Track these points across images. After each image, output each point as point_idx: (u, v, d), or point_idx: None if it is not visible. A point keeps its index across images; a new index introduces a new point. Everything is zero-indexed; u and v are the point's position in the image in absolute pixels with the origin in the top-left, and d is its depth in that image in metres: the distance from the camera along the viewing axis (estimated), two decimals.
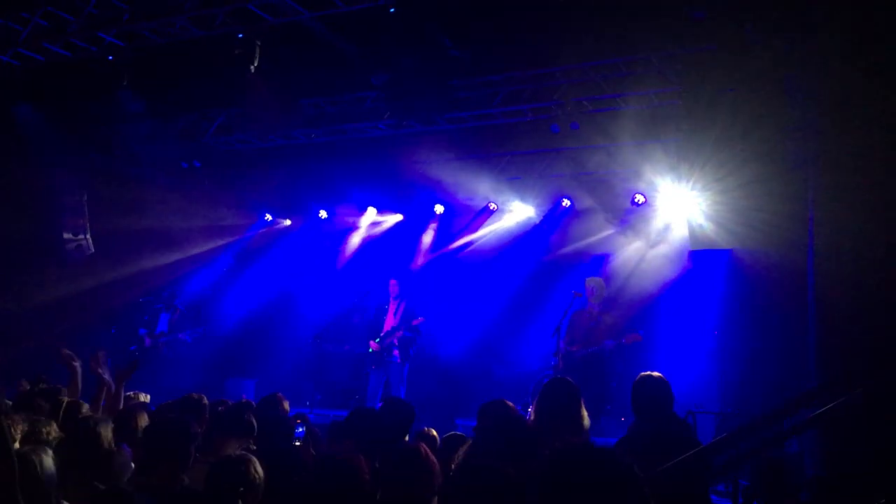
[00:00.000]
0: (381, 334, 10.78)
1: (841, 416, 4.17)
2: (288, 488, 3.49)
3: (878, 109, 5.85)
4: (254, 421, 5.16)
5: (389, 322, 10.85)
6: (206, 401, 5.75)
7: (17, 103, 10.36)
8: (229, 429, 5.03)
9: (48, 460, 3.32)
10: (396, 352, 10.75)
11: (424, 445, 3.94)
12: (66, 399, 5.53)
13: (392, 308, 10.99)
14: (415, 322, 10.75)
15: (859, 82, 5.99)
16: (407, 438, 5.58)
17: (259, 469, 3.40)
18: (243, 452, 3.55)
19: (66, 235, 11.77)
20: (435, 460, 3.87)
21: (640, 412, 5.00)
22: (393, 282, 11.07)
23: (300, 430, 5.59)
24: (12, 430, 3.58)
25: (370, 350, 10.85)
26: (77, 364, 6.12)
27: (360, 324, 12.99)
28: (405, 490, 3.58)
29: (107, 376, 5.96)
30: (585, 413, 4.82)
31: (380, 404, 7.62)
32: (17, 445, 3.55)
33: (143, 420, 4.97)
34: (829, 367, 6.02)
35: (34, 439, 3.88)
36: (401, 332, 10.72)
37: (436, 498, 3.66)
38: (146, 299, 12.31)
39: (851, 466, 5.32)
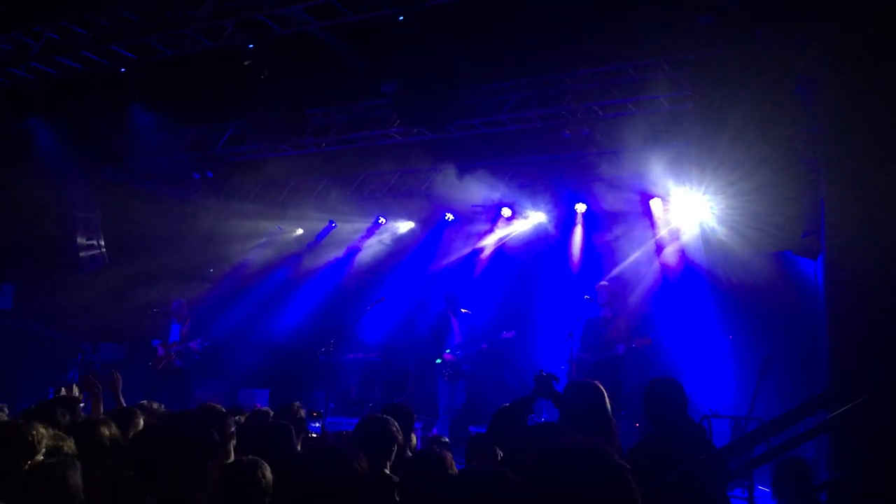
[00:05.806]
0: (453, 346, 10.86)
1: (855, 419, 4.12)
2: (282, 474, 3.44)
3: (888, 114, 5.81)
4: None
5: (456, 336, 10.95)
6: (224, 410, 5.69)
7: (31, 117, 10.45)
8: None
9: (76, 475, 3.31)
10: (467, 365, 10.93)
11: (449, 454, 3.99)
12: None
13: (455, 323, 11.13)
14: (505, 335, 10.88)
15: (868, 86, 5.94)
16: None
17: (268, 473, 3.38)
18: (253, 457, 3.53)
19: (80, 244, 11.85)
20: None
21: (653, 417, 4.94)
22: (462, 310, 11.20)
23: (316, 425, 5.55)
24: (37, 442, 3.56)
25: (438, 360, 10.92)
26: (99, 389, 6.19)
27: (371, 333, 13.06)
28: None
29: (121, 397, 6.17)
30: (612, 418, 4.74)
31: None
32: (40, 458, 3.54)
33: (140, 424, 4.98)
34: (842, 371, 5.95)
35: (56, 453, 3.84)
36: (486, 345, 10.86)
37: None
38: (158, 310, 12.35)
39: (868, 468, 5.25)
